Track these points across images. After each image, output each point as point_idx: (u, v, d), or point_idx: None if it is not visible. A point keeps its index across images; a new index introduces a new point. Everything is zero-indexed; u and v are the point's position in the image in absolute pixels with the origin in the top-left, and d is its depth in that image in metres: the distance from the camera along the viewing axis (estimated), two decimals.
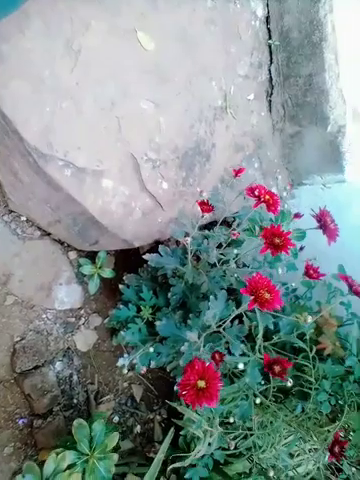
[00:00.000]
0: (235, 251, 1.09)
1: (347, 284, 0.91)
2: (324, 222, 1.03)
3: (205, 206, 1.00)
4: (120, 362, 1.11)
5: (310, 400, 0.89)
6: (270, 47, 1.49)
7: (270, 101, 1.56)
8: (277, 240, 0.86)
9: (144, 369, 1.10)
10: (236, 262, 1.15)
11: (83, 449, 1.04)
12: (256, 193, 0.92)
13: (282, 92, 1.52)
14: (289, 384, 0.82)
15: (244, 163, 1.50)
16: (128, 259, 1.48)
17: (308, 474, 1.03)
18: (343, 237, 1.28)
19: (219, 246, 1.16)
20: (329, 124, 1.42)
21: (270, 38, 1.48)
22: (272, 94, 1.54)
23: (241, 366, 0.88)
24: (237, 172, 1.07)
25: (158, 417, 1.52)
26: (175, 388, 1.09)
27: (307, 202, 1.67)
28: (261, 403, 0.91)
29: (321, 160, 1.53)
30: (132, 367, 1.16)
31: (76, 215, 1.18)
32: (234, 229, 1.12)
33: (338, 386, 0.97)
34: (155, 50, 1.20)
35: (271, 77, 1.52)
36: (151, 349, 1.06)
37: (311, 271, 0.95)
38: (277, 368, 0.84)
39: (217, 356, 0.88)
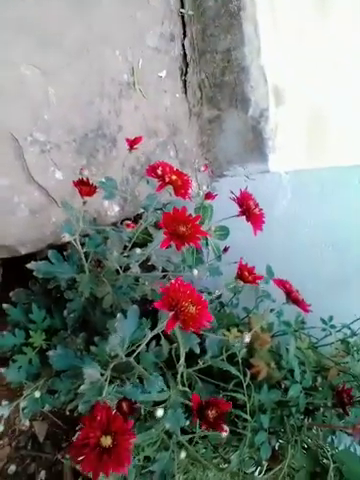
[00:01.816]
0: (138, 251, 0.86)
1: (285, 291, 0.73)
2: (247, 207, 0.81)
3: (84, 187, 0.75)
4: None
5: (245, 443, 0.69)
6: (183, 17, 1.30)
7: (185, 81, 1.36)
8: (182, 228, 0.64)
9: (27, 423, 0.82)
10: (147, 267, 0.94)
11: None
12: (159, 172, 0.70)
13: (198, 70, 1.33)
14: (224, 434, 0.60)
15: (158, 151, 1.30)
16: (20, 269, 1.19)
17: None
18: (267, 232, 1.14)
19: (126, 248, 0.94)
20: (250, 107, 1.26)
21: (183, 6, 1.28)
22: (187, 73, 1.35)
23: (160, 413, 0.66)
24: (131, 143, 0.84)
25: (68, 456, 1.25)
26: None
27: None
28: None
29: (243, 148, 1.37)
30: None
31: None
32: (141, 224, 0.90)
33: (279, 420, 0.78)
34: (34, 3, 0.94)
35: (185, 53, 1.33)
36: (37, 394, 0.79)
37: (246, 273, 0.76)
38: (212, 413, 0.61)
39: (125, 406, 0.62)
